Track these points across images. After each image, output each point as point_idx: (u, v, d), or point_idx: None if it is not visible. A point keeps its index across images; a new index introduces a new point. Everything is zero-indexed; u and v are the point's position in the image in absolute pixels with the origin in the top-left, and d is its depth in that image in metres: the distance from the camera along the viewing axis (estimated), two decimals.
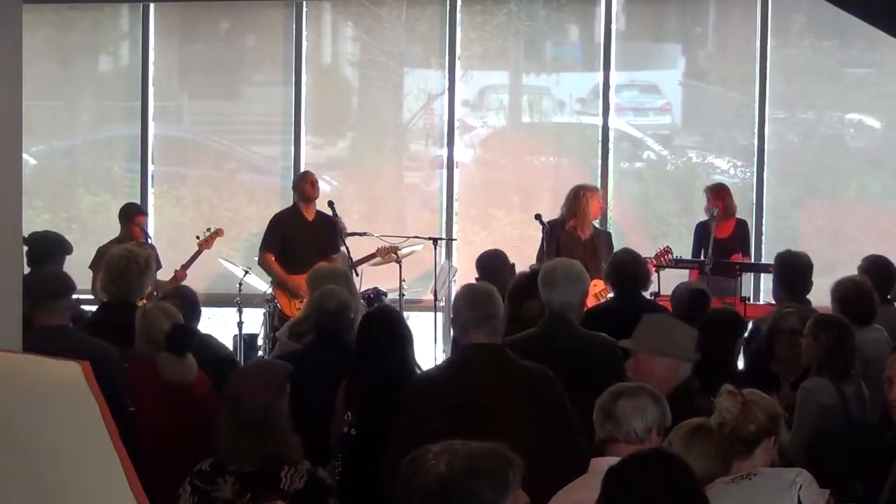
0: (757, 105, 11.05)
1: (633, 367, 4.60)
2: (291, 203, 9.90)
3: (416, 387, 4.78)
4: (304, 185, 9.53)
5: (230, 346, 9.66)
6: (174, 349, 5.21)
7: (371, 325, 5.38)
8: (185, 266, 9.34)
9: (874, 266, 6.93)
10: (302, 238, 9.33)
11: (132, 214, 9.54)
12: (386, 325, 5.30)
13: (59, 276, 5.69)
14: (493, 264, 6.78)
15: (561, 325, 5.35)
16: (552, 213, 9.24)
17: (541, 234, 8.89)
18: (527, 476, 2.82)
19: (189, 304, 6.11)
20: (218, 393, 5.50)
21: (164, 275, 9.15)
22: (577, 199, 9.05)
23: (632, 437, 3.85)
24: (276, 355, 8.71)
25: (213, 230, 9.67)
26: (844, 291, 6.27)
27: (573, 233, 8.98)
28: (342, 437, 5.14)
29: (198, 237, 9.64)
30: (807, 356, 5.56)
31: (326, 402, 5.23)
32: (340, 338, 5.52)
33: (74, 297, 5.82)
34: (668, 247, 9.08)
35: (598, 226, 9.28)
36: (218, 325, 9.96)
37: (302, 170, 11.19)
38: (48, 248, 7.14)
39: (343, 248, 9.28)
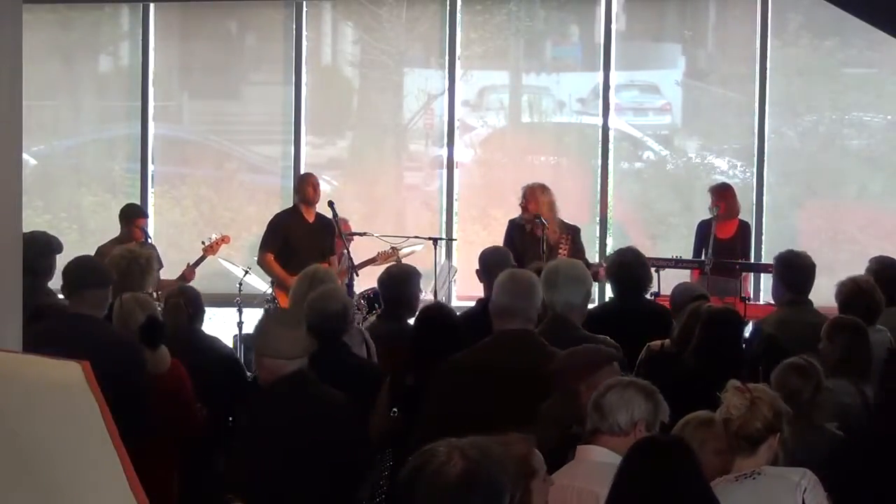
0: (757, 105, 11.05)
1: None
2: (291, 203, 9.89)
3: (447, 368, 4.85)
4: (307, 187, 9.49)
5: (230, 346, 9.67)
6: (147, 341, 5.30)
7: (426, 324, 5.41)
8: (194, 266, 9.35)
9: (881, 267, 6.91)
10: (302, 239, 9.32)
11: (133, 216, 9.51)
12: (441, 325, 5.34)
13: (95, 268, 5.70)
14: (494, 261, 6.77)
15: (563, 326, 5.35)
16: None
17: (542, 234, 8.86)
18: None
19: (193, 304, 6.11)
20: (217, 390, 5.55)
21: (171, 274, 9.16)
22: (525, 197, 8.97)
23: (615, 429, 3.90)
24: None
25: (218, 237, 9.67)
26: (845, 292, 6.25)
27: (530, 232, 8.91)
28: (391, 432, 5.14)
29: (203, 242, 9.64)
30: (822, 358, 5.54)
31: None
32: (341, 341, 5.49)
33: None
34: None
35: (566, 222, 9.05)
36: (218, 325, 9.96)
37: (302, 170, 11.19)
38: (34, 250, 7.06)
39: (345, 251, 9.27)
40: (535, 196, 8.81)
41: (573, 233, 8.90)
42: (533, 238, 8.73)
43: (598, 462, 3.85)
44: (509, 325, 4.83)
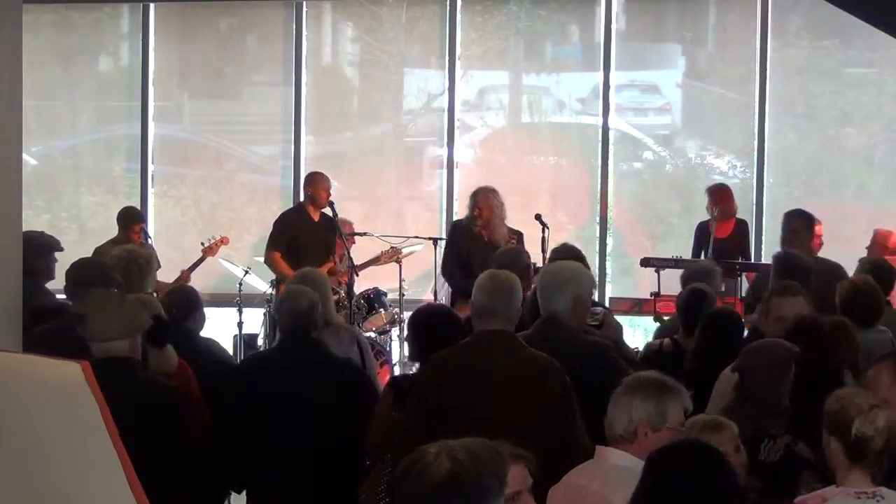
0: (757, 105, 11.05)
1: None
2: (292, 202, 9.88)
3: (429, 368, 4.86)
4: (321, 192, 9.40)
5: (230, 346, 9.68)
6: (154, 341, 5.27)
7: (422, 326, 5.43)
8: (190, 269, 9.34)
9: (873, 268, 6.91)
10: (308, 238, 9.32)
11: (130, 221, 9.44)
12: (437, 326, 5.35)
13: (100, 268, 5.69)
14: (506, 260, 6.78)
15: (555, 328, 5.31)
16: (552, 213, 9.23)
17: (542, 234, 8.87)
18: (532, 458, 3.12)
19: (190, 304, 6.09)
20: (209, 394, 5.54)
21: (168, 276, 9.16)
22: (476, 200, 8.97)
23: (618, 440, 3.87)
24: (248, 357, 8.76)
25: (218, 238, 9.66)
26: (844, 294, 6.24)
27: (478, 234, 8.90)
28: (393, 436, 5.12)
29: (202, 244, 9.64)
30: None
31: (305, 404, 5.25)
32: (310, 337, 5.50)
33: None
34: None
35: (511, 227, 9.06)
36: (218, 325, 9.97)
37: (302, 170, 11.20)
38: (30, 250, 7.06)
39: (346, 252, 9.27)
40: (487, 201, 8.86)
41: (518, 237, 8.93)
42: (480, 239, 8.76)
43: (615, 465, 3.83)
44: (489, 325, 4.78)
